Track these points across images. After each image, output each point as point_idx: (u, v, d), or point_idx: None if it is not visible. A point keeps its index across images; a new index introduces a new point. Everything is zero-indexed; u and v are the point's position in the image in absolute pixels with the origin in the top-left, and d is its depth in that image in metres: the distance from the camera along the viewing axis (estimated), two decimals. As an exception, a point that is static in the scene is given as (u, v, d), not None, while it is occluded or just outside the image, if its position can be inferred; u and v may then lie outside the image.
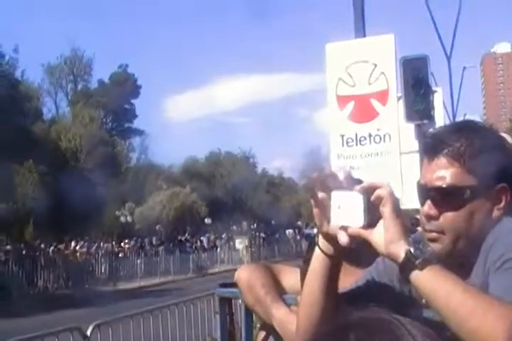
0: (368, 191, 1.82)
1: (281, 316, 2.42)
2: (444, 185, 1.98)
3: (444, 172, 1.99)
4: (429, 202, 2.00)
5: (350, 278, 2.16)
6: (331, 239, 1.89)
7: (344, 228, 1.84)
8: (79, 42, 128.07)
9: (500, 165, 1.98)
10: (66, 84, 63.95)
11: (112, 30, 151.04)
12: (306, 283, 2.03)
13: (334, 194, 1.84)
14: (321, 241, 1.95)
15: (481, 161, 1.97)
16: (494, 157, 1.98)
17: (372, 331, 0.99)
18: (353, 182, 1.84)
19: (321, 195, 1.86)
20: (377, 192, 1.82)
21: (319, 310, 1.98)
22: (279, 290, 2.56)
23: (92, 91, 64.58)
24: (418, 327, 1.02)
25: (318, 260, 1.97)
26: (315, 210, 1.89)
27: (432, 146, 2.05)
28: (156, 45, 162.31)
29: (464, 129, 2.06)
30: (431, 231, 2.01)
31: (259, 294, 2.51)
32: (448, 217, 1.98)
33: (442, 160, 1.99)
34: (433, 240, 2.00)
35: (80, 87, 64.90)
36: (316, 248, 1.97)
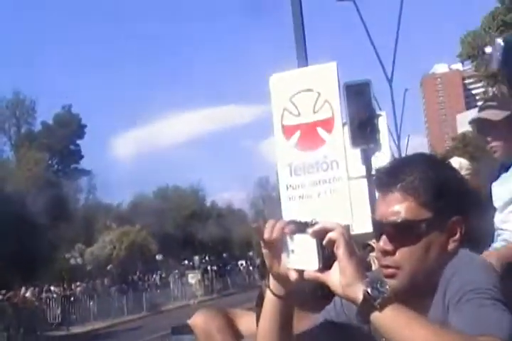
0: (321, 233, 1.79)
1: None
2: (399, 220, 1.95)
3: (399, 207, 1.97)
4: (384, 237, 1.97)
5: (303, 323, 2.11)
6: (282, 280, 1.87)
7: (299, 271, 1.81)
8: (20, 85, 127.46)
9: (454, 197, 1.98)
10: (9, 128, 63.56)
11: (53, 71, 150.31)
12: (259, 326, 1.99)
13: (287, 238, 1.81)
14: (271, 282, 1.92)
15: (435, 194, 1.96)
16: (448, 189, 1.98)
17: None
18: (304, 225, 1.81)
19: (272, 238, 1.82)
20: (329, 235, 1.79)
21: None
22: (235, 336, 2.48)
23: (36, 134, 64.24)
24: None
25: (269, 302, 1.94)
26: (265, 252, 1.86)
27: (385, 181, 2.03)
28: (99, 84, 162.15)
29: (415, 162, 2.06)
30: (387, 266, 1.98)
31: (216, 340, 2.43)
32: (404, 252, 1.96)
33: (396, 195, 1.98)
34: (390, 276, 1.97)
35: (23, 129, 64.50)
36: (267, 290, 1.93)
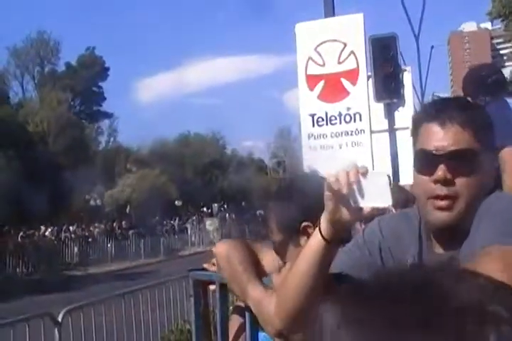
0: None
1: (257, 296, 2.37)
2: (460, 149, 2.00)
3: (458, 137, 2.01)
4: (443, 166, 1.99)
5: None
6: (339, 224, 1.90)
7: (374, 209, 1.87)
8: (45, 24, 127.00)
9: (493, 135, 2.09)
10: (33, 68, 63.42)
11: (79, 11, 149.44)
12: (298, 265, 2.02)
13: (360, 179, 1.86)
14: (324, 227, 1.94)
15: (486, 129, 2.05)
16: (491, 127, 2.09)
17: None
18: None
19: (350, 182, 1.85)
20: None
21: (308, 292, 1.98)
22: (257, 269, 2.51)
23: (59, 74, 64.09)
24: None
25: (315, 245, 1.97)
26: (331, 201, 1.88)
27: (441, 113, 2.06)
28: (124, 27, 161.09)
29: (465, 101, 2.23)
30: (446, 197, 2.00)
31: (237, 271, 2.46)
32: (463, 181, 1.99)
33: (454, 126, 2.02)
34: (446, 208, 2.00)
35: (47, 70, 64.38)
36: (316, 234, 1.96)
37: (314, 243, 1.97)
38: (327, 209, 1.90)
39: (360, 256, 2.14)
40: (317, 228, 1.97)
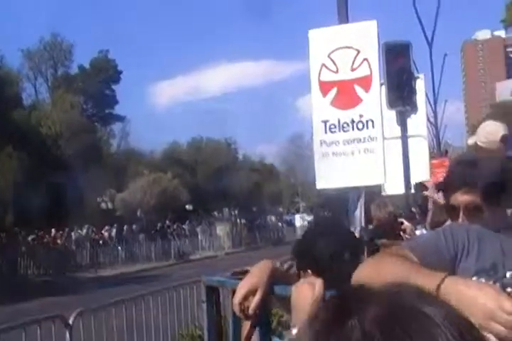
0: None
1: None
2: None
3: None
4: None
5: None
6: None
7: None
8: (59, 27, 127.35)
9: None
10: (46, 70, 63.63)
11: (93, 15, 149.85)
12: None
13: None
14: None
15: None
16: None
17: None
18: None
19: None
20: None
21: None
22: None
23: (72, 77, 64.26)
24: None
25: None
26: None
27: None
28: (138, 31, 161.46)
29: None
30: None
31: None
32: None
33: None
34: None
35: (60, 72, 64.57)
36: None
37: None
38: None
39: (443, 247, 2.20)
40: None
